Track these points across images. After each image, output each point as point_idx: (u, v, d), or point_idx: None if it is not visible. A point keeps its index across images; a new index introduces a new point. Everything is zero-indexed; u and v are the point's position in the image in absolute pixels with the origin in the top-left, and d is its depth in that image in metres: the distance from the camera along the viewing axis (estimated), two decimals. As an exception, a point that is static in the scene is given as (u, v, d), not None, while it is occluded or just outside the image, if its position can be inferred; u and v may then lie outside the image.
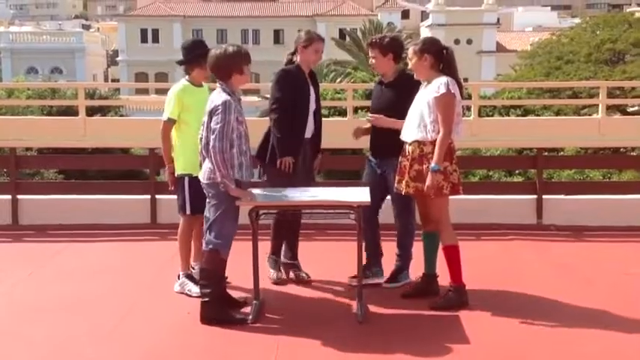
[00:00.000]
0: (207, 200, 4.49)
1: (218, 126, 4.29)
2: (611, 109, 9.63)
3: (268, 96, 5.35)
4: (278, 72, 5.21)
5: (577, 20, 48.32)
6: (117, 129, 7.83)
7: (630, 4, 68.81)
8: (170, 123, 5.00)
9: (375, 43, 5.09)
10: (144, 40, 58.16)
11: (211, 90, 4.79)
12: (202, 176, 4.48)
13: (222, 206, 4.42)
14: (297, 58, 5.20)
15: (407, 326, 4.49)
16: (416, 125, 4.68)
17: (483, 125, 7.36)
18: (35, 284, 5.37)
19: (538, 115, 19.33)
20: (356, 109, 11.06)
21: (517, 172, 16.69)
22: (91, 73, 56.03)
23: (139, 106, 26.60)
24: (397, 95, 5.01)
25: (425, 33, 52.13)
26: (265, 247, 5.37)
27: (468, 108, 7.42)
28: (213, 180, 4.39)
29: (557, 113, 22.30)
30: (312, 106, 5.20)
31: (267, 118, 5.24)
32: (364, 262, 4.93)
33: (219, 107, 4.32)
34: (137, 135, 7.34)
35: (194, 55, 4.96)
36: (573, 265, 5.86)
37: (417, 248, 5.06)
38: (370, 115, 5.12)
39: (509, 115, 19.24)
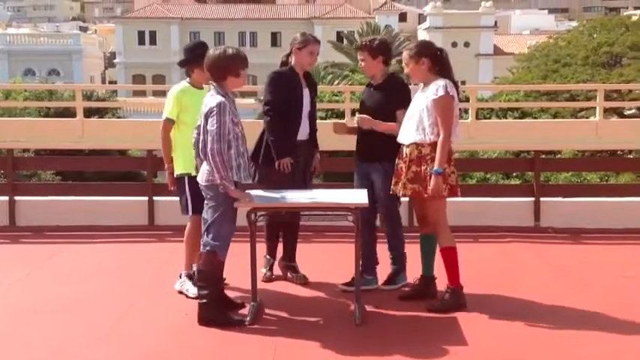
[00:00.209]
0: (205, 202, 4.49)
1: (214, 128, 4.29)
2: (608, 111, 9.63)
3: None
4: (270, 74, 5.21)
5: (574, 23, 48.47)
6: (114, 131, 7.83)
7: (627, 8, 68.95)
8: (169, 123, 5.02)
9: (364, 46, 5.09)
10: (141, 42, 58.16)
11: None
12: (200, 178, 4.48)
13: (220, 208, 4.41)
14: (292, 60, 5.21)
15: (404, 328, 4.49)
16: (414, 128, 4.68)
17: (481, 128, 7.36)
18: (32, 285, 5.36)
19: (535, 118, 19.36)
20: (353, 112, 11.05)
21: (514, 174, 16.73)
22: (88, 75, 55.98)
23: (136, 108, 26.61)
24: (385, 98, 5.02)
25: (422, 36, 52.20)
26: (263, 248, 5.39)
27: (466, 111, 7.43)
28: (211, 182, 4.38)
29: (555, 116, 22.31)
30: (307, 108, 5.20)
31: (263, 121, 5.25)
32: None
33: (214, 109, 4.32)
34: (134, 137, 7.34)
35: (195, 55, 4.97)
36: (571, 268, 5.86)
37: (414, 250, 5.06)
38: (358, 116, 5.11)
39: (506, 118, 19.24)
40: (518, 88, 26.72)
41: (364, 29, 44.15)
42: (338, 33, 52.78)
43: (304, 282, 5.31)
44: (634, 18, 38.97)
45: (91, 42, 61.11)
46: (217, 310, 4.47)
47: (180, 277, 5.11)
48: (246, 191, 4.51)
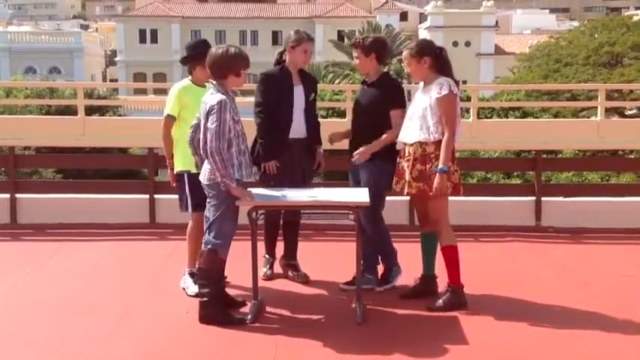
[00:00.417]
0: (207, 200, 4.49)
1: (214, 125, 4.29)
2: (609, 111, 9.64)
3: None
4: (259, 75, 5.20)
5: (575, 23, 48.44)
6: (115, 129, 7.83)
7: (628, 8, 68.93)
8: (170, 120, 5.03)
9: (357, 44, 5.08)
10: (142, 40, 58.15)
11: None
12: (202, 177, 4.48)
13: (222, 206, 4.42)
14: (286, 58, 5.20)
15: (405, 327, 4.49)
16: (418, 127, 4.68)
17: (482, 127, 7.36)
18: (34, 283, 5.36)
19: (537, 118, 19.36)
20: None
21: (515, 174, 16.73)
22: (89, 73, 56.00)
23: (137, 106, 26.60)
24: (377, 96, 5.01)
25: (423, 35, 52.20)
26: (264, 247, 5.39)
27: (467, 110, 7.43)
28: (213, 180, 4.39)
29: (556, 115, 22.32)
30: (300, 106, 5.17)
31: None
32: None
33: (215, 107, 4.32)
34: (135, 135, 7.34)
35: (197, 52, 4.97)
36: (571, 267, 5.87)
37: (415, 249, 5.05)
38: (354, 154, 5.01)
39: (507, 118, 19.26)
40: (520, 88, 26.74)
41: (365, 28, 44.14)
42: (339, 32, 52.81)
43: (305, 280, 5.31)
44: (635, 18, 38.95)
45: (92, 40, 61.12)
46: (218, 308, 4.47)
47: (185, 274, 5.12)
48: (248, 189, 4.50)
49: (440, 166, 4.59)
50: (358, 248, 4.57)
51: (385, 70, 5.36)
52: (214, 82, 4.48)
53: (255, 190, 4.58)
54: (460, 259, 4.79)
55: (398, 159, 4.84)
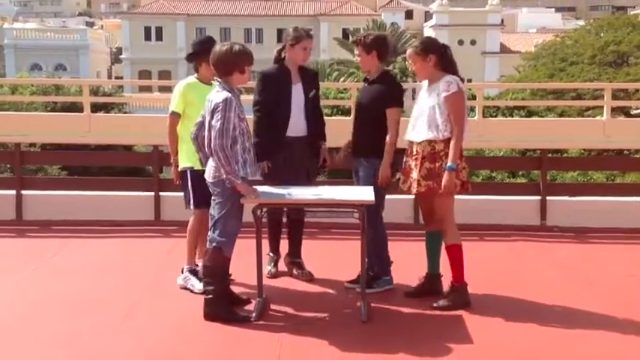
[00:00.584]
0: (213, 198, 4.50)
1: (218, 123, 4.30)
2: (615, 111, 9.59)
3: None
4: (257, 74, 5.18)
5: (581, 22, 48.34)
6: (121, 126, 7.84)
7: (634, 7, 68.69)
8: (175, 117, 5.03)
9: (358, 42, 5.08)
10: (147, 38, 58.26)
11: None
12: (207, 175, 4.49)
13: (227, 204, 4.42)
14: (286, 55, 5.19)
15: (410, 326, 4.49)
16: (426, 125, 4.66)
17: (487, 126, 7.35)
18: (39, 280, 5.38)
19: (542, 117, 19.31)
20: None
21: (520, 173, 16.70)
22: (94, 71, 56.10)
23: (142, 104, 26.61)
24: (377, 93, 5.01)
25: (428, 33, 52.11)
26: (268, 245, 5.40)
27: (472, 109, 7.42)
28: (218, 178, 4.39)
29: (561, 115, 22.29)
30: (299, 104, 5.15)
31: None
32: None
33: (220, 104, 4.32)
34: (140, 132, 7.35)
35: (203, 49, 4.97)
36: (576, 267, 5.86)
37: (420, 248, 5.05)
38: (381, 177, 4.94)
39: (512, 116, 19.23)
40: (525, 87, 26.70)
41: (370, 26, 44.10)
42: (344, 30, 52.82)
43: (310, 278, 5.31)
44: (641, 17, 38.85)
45: (98, 37, 61.23)
46: (223, 305, 4.48)
47: (183, 272, 5.13)
48: (253, 187, 4.50)
49: (449, 163, 4.58)
50: (363, 247, 4.56)
51: (388, 68, 5.35)
52: (219, 79, 4.49)
53: (260, 188, 4.58)
54: (465, 258, 4.79)
55: (404, 157, 4.84)
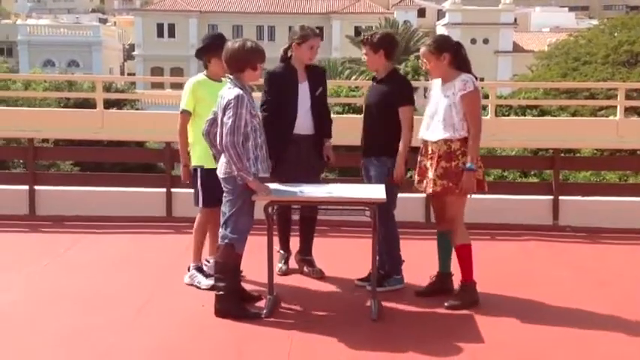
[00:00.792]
0: (224, 195, 4.51)
1: (230, 120, 4.31)
2: (628, 111, 9.53)
3: None
4: (264, 74, 5.11)
5: (594, 21, 48.04)
6: (133, 122, 7.87)
7: (649, 6, 68.19)
8: (185, 115, 5.03)
9: (365, 41, 5.05)
10: (160, 34, 58.42)
11: None
12: (219, 171, 4.50)
13: (239, 201, 4.43)
14: (292, 54, 5.17)
15: (421, 324, 4.49)
16: (442, 124, 4.63)
17: (500, 125, 7.33)
18: (51, 275, 5.41)
19: (554, 116, 19.22)
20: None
21: (532, 173, 16.61)
22: (107, 67, 56.34)
23: (154, 101, 26.72)
24: (385, 92, 4.98)
25: (441, 32, 51.95)
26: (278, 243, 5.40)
27: (484, 107, 7.38)
28: (229, 174, 4.40)
29: (574, 114, 22.17)
30: (305, 103, 5.13)
31: None
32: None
33: (232, 101, 4.33)
34: (153, 129, 7.38)
35: (212, 44, 4.97)
36: (588, 267, 5.83)
37: (432, 247, 5.04)
38: (395, 176, 4.94)
39: (525, 116, 19.14)
40: (538, 86, 26.54)
41: (382, 25, 44.03)
42: (356, 28, 52.72)
43: (320, 276, 5.31)
44: (656, 17, 38.54)
45: (111, 34, 61.49)
46: (234, 302, 4.49)
47: (189, 269, 5.14)
48: (265, 184, 4.51)
49: (468, 164, 4.56)
50: (374, 245, 4.56)
51: (397, 66, 5.33)
52: (231, 76, 4.50)
53: (271, 186, 4.59)
54: (476, 258, 4.77)
55: (419, 157, 4.82)
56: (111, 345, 4.08)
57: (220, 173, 4.49)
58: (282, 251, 5.46)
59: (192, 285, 5.07)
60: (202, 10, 58.28)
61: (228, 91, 4.43)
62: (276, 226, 5.30)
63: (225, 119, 4.34)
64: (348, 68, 40.60)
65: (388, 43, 5.05)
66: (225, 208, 4.51)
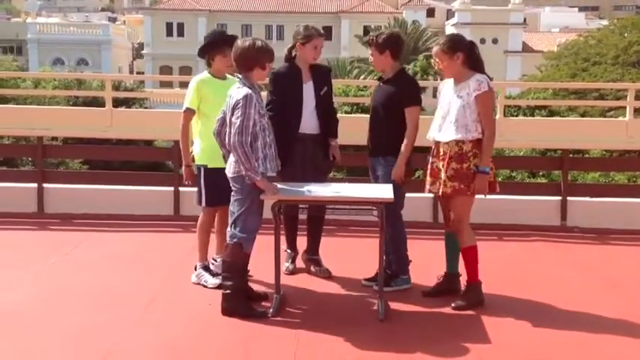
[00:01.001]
0: (232, 194, 4.51)
1: (238, 120, 4.31)
2: (638, 111, 9.46)
3: None
4: (269, 74, 5.08)
5: (605, 22, 47.83)
6: (142, 121, 7.88)
7: (660, 7, 67.86)
8: (188, 113, 5.00)
9: (371, 42, 5.02)
10: (169, 33, 58.53)
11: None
12: (228, 170, 4.50)
13: (247, 201, 4.44)
14: (296, 54, 5.16)
15: (427, 325, 4.48)
16: (453, 125, 4.58)
17: (508, 125, 7.30)
18: (59, 272, 5.42)
19: (563, 117, 19.15)
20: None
21: (541, 174, 16.57)
22: (116, 66, 56.51)
23: (163, 99, 26.76)
24: (392, 92, 4.96)
25: (450, 31, 51.83)
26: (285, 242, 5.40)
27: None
28: (238, 173, 4.41)
29: (583, 115, 22.09)
30: (310, 102, 5.12)
31: None
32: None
33: (240, 101, 4.34)
34: (162, 127, 7.38)
35: (217, 41, 4.97)
36: (597, 268, 5.80)
37: (439, 247, 5.03)
38: (394, 175, 4.92)
39: (534, 116, 19.09)
40: (547, 86, 26.47)
41: (391, 24, 43.98)
42: (365, 27, 52.66)
43: (327, 276, 5.31)
44: (666, 17, 38.34)
45: (120, 33, 61.66)
46: (241, 301, 4.50)
47: (196, 269, 5.15)
48: (273, 183, 4.51)
49: (482, 166, 4.52)
50: (381, 245, 4.55)
51: (407, 66, 5.32)
52: (240, 75, 4.50)
53: (279, 185, 4.59)
54: (483, 258, 4.76)
55: (430, 158, 4.79)
56: (117, 343, 4.09)
57: (229, 172, 4.49)
58: (289, 250, 5.47)
59: (198, 284, 5.08)
60: (211, 9, 58.35)
61: (237, 90, 4.43)
62: (283, 226, 5.31)
63: (233, 119, 4.35)
64: (357, 68, 40.59)
65: (394, 43, 5.02)
66: (234, 208, 4.51)
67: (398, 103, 4.93)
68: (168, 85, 36.03)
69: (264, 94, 4.93)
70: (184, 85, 5.45)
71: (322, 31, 5.23)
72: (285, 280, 5.01)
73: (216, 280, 4.91)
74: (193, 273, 5.15)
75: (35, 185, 7.30)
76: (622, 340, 4.25)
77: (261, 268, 4.94)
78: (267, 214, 4.57)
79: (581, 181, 15.34)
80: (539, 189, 8.65)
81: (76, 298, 4.79)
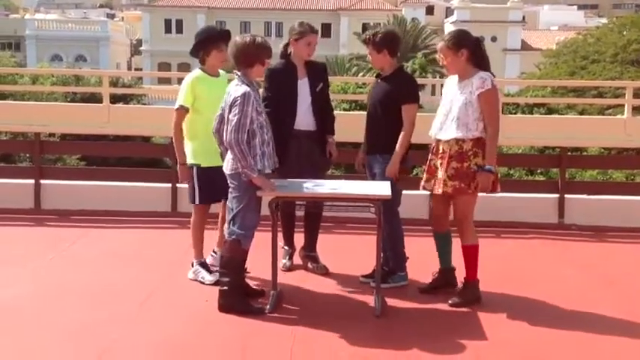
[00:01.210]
0: (230, 191, 4.51)
1: (235, 118, 4.31)
2: (636, 109, 9.47)
3: None
4: (265, 71, 5.04)
5: (604, 20, 47.84)
6: (139, 117, 7.87)
7: (658, 5, 67.88)
8: (182, 111, 4.94)
9: (368, 41, 5.01)
10: (168, 30, 58.44)
11: (229, 80, 4.80)
12: (225, 167, 4.50)
13: (245, 198, 4.43)
14: (291, 51, 5.16)
15: (424, 321, 4.48)
16: (455, 123, 4.54)
17: (507, 123, 7.28)
18: (56, 269, 5.42)
19: (562, 115, 19.17)
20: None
21: (539, 171, 16.58)
22: (114, 62, 56.41)
23: (161, 96, 26.71)
24: (390, 89, 4.95)
25: (449, 29, 51.81)
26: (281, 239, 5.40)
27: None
28: (235, 170, 4.40)
29: (581, 113, 22.11)
30: (306, 99, 5.11)
31: None
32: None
33: (238, 99, 4.33)
34: (159, 124, 7.37)
35: (212, 36, 4.94)
36: (594, 265, 5.81)
37: (434, 244, 5.03)
38: (388, 172, 4.92)
39: (532, 114, 19.10)
40: (545, 84, 26.47)
41: (390, 22, 43.93)
42: (364, 25, 52.57)
43: (325, 272, 5.31)
44: (665, 16, 38.34)
45: (118, 29, 61.57)
46: (238, 297, 4.50)
47: (193, 265, 5.15)
48: (271, 180, 4.51)
49: (486, 165, 4.49)
50: (378, 241, 4.55)
51: (406, 63, 5.32)
52: (239, 72, 4.49)
53: (277, 182, 4.58)
54: (481, 255, 4.76)
55: (429, 155, 4.78)
56: (115, 339, 4.09)
57: (227, 170, 4.49)
58: (286, 247, 5.46)
59: (196, 280, 5.07)
60: (210, 6, 58.26)
61: (235, 88, 4.42)
62: (281, 222, 5.30)
63: (230, 116, 4.34)
64: (356, 65, 40.56)
65: (390, 41, 5.01)
66: (232, 205, 4.51)
67: (395, 100, 4.92)
68: (166, 81, 35.97)
69: (260, 91, 4.92)
70: (182, 81, 5.41)
71: (316, 28, 5.22)
72: (283, 276, 5.01)
73: (214, 277, 4.90)
74: (190, 269, 5.15)
75: (32, 181, 7.28)
76: (619, 337, 4.25)
77: (258, 264, 4.93)
78: (265, 210, 4.57)
79: (579, 178, 15.36)
80: (537, 186, 8.65)
81: (74, 295, 4.79)
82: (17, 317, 4.39)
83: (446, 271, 4.92)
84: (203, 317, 4.43)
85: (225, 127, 4.39)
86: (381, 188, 4.62)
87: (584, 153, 13.70)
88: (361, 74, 35.52)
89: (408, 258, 5.11)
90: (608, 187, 9.23)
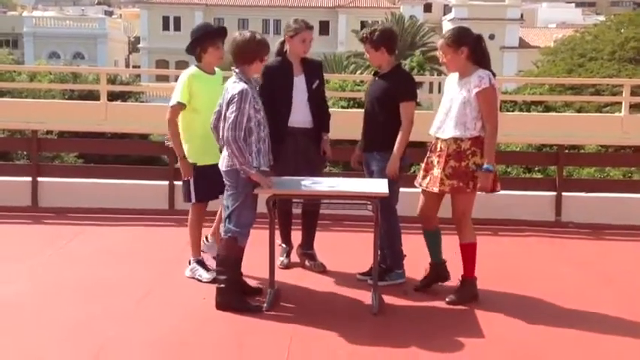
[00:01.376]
0: (226, 189, 4.51)
1: (232, 115, 4.31)
2: (633, 107, 9.47)
3: None
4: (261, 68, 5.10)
5: (601, 18, 47.82)
6: (137, 115, 7.86)
7: (656, 3, 67.90)
8: (177, 108, 4.88)
9: (365, 39, 5.00)
10: (165, 27, 58.39)
11: (225, 78, 4.79)
12: (221, 164, 4.50)
13: (241, 195, 4.43)
14: (287, 48, 5.15)
15: (421, 319, 4.48)
16: (453, 122, 4.53)
17: (505, 121, 7.25)
18: (54, 266, 5.42)
19: (559, 112, 19.18)
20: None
21: (536, 169, 16.59)
22: (112, 59, 56.31)
23: (158, 93, 26.69)
24: (387, 86, 4.94)
25: (447, 27, 51.80)
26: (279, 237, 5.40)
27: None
28: (231, 167, 4.40)
29: (579, 111, 22.10)
30: (302, 96, 5.11)
31: None
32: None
33: (236, 96, 4.33)
34: (157, 121, 7.34)
35: (209, 32, 4.92)
36: (591, 263, 5.82)
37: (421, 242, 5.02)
38: (388, 170, 4.91)
39: (530, 112, 19.09)
40: (543, 82, 26.45)
41: (388, 19, 43.91)
42: (362, 22, 52.55)
43: (322, 270, 5.32)
44: (663, 13, 38.35)
45: (116, 26, 61.46)
46: (235, 295, 4.50)
47: (190, 263, 5.15)
48: (267, 177, 4.50)
49: (485, 165, 4.47)
50: (376, 239, 4.56)
51: (404, 61, 5.32)
52: (237, 69, 4.48)
53: (274, 179, 4.58)
54: (478, 253, 4.76)
55: (428, 152, 4.77)
56: (112, 337, 4.08)
57: (222, 166, 4.49)
58: (283, 245, 5.46)
59: (193, 278, 5.07)
60: (208, 3, 58.20)
61: (233, 85, 4.42)
62: (278, 220, 5.30)
63: (228, 114, 4.34)
64: (354, 63, 40.56)
65: (388, 39, 5.00)
66: (227, 202, 4.51)
67: (393, 97, 4.91)
68: (164, 79, 35.93)
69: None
70: (180, 78, 5.39)
71: (311, 24, 5.21)
72: (280, 274, 5.01)
73: (211, 275, 4.90)
74: (187, 267, 5.15)
75: (30, 179, 7.27)
76: (616, 335, 4.26)
77: (255, 262, 4.92)
78: (262, 208, 4.57)
79: (576, 176, 15.35)
80: (534, 184, 8.65)
81: (72, 292, 4.79)
82: (15, 314, 4.39)
83: (437, 265, 4.91)
84: (200, 315, 4.43)
85: (223, 124, 4.39)
86: (379, 186, 4.62)
87: (582, 151, 13.73)
88: (359, 72, 35.52)
89: (405, 255, 5.11)
90: (606, 185, 9.24)
